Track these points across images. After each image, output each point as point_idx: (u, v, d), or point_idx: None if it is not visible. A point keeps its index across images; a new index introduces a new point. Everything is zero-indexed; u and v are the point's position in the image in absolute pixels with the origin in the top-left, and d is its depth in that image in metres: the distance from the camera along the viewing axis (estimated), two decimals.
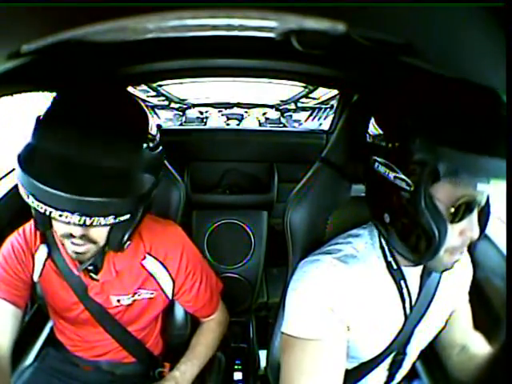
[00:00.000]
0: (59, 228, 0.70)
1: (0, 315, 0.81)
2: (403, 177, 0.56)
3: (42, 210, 0.59)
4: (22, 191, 0.61)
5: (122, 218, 0.63)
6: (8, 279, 0.81)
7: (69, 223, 0.61)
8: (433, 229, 0.55)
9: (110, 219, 0.62)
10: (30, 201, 0.60)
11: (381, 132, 0.61)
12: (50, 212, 0.59)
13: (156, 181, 0.70)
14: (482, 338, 0.81)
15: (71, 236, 0.69)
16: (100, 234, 0.70)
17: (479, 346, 0.79)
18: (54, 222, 0.71)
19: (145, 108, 0.73)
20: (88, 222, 0.60)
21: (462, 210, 0.57)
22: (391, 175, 0.58)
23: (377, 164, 0.61)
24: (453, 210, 0.56)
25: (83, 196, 0.58)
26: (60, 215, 0.59)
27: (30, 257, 0.84)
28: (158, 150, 0.72)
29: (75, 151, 0.60)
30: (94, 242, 0.71)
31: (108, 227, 0.70)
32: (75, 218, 0.59)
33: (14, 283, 0.82)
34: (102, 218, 0.61)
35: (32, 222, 0.84)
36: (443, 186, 0.55)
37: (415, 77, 0.60)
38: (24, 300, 0.84)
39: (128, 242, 0.74)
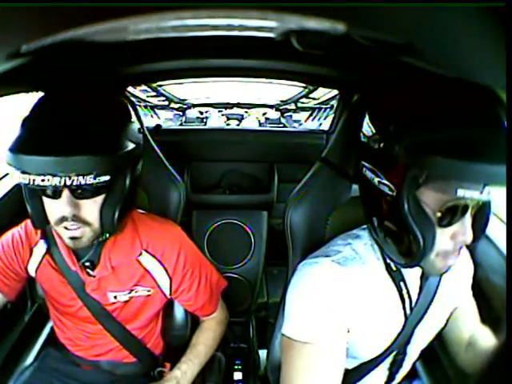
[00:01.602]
0: (52, 213, 0.71)
1: None
2: (386, 182, 0.57)
3: (27, 181, 0.63)
4: (15, 172, 0.64)
5: (101, 179, 0.65)
6: (0, 266, 0.84)
7: (51, 187, 0.64)
8: (416, 232, 0.55)
9: (90, 179, 0.64)
10: (20, 177, 0.63)
11: (371, 132, 0.62)
12: (34, 180, 0.62)
13: (138, 149, 0.73)
14: (489, 333, 0.80)
15: (64, 220, 0.70)
16: (91, 212, 0.71)
17: (486, 342, 0.79)
18: (47, 209, 0.72)
19: (131, 112, 0.78)
20: (68, 182, 0.62)
21: (449, 215, 0.56)
22: (376, 180, 0.59)
23: (364, 169, 0.62)
24: (439, 214, 0.56)
25: (60, 156, 0.61)
26: (42, 180, 0.62)
27: (27, 249, 0.85)
28: (137, 126, 0.77)
29: (51, 122, 0.64)
30: (88, 224, 0.72)
31: (98, 206, 0.71)
32: (56, 180, 0.62)
33: (5, 271, 0.84)
34: (81, 177, 0.63)
35: None
36: (428, 191, 0.55)
37: (406, 78, 0.60)
38: (12, 291, 0.86)
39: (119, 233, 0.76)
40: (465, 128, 0.51)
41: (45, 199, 0.71)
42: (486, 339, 0.79)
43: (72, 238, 0.72)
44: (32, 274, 0.87)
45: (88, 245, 0.75)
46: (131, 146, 0.70)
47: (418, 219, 0.55)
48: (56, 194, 0.68)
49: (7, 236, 0.86)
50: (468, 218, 0.57)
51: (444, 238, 0.57)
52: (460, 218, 0.56)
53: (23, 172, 0.63)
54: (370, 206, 0.65)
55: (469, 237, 0.57)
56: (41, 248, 0.85)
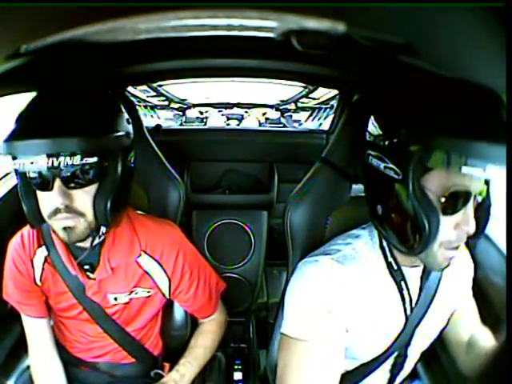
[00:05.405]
0: (45, 206, 0.70)
1: (33, 331, 0.91)
2: (392, 166, 0.58)
3: (18, 166, 0.65)
4: (9, 161, 0.66)
5: (89, 160, 0.66)
6: (23, 296, 0.87)
7: (41, 175, 0.67)
8: (422, 218, 0.55)
9: (77, 159, 0.64)
10: (12, 165, 0.65)
11: (379, 131, 0.62)
12: (24, 164, 0.64)
13: (126, 138, 0.74)
14: (489, 334, 0.80)
15: (57, 212, 0.69)
16: (84, 203, 0.70)
17: (486, 343, 0.79)
18: (40, 204, 0.72)
19: (122, 111, 0.78)
20: (55, 162, 0.63)
21: (453, 200, 0.57)
22: (382, 165, 0.60)
23: (370, 157, 0.63)
24: (444, 199, 0.57)
25: (46, 138, 0.63)
26: (31, 163, 0.63)
27: (29, 263, 0.85)
28: (126, 116, 0.78)
29: (38, 111, 0.69)
30: (82, 215, 0.71)
31: (91, 197, 0.71)
32: (43, 161, 0.63)
33: (28, 297, 0.87)
34: (68, 158, 0.64)
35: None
36: (433, 176, 0.56)
37: (411, 75, 0.60)
38: (44, 307, 0.90)
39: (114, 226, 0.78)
40: (468, 119, 0.52)
41: (39, 193, 0.71)
42: (486, 340, 0.79)
43: (65, 229, 0.71)
44: (38, 283, 0.87)
45: (82, 237, 0.73)
46: (119, 133, 0.72)
47: (423, 205, 0.55)
48: (48, 184, 0.68)
49: (9, 263, 0.86)
50: (471, 208, 0.58)
51: (448, 228, 0.58)
52: (463, 207, 0.57)
53: (14, 158, 0.65)
54: (375, 194, 0.65)
55: (472, 227, 0.57)
56: (40, 256, 0.85)
